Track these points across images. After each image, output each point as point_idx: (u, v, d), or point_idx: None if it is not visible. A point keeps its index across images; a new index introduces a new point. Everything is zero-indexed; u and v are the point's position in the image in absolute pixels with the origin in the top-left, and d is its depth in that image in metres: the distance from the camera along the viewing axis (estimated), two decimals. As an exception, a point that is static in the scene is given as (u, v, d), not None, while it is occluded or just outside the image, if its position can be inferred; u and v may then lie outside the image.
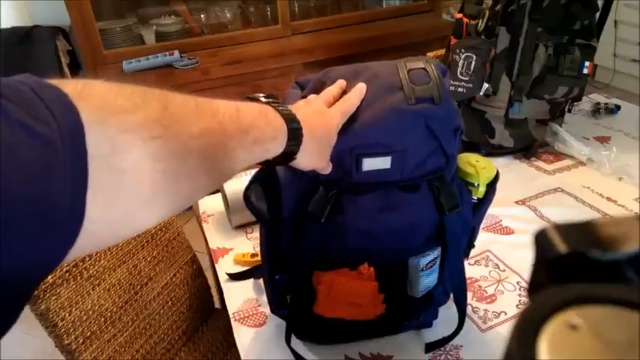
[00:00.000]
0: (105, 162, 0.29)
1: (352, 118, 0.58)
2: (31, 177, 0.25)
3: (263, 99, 0.49)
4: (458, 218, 0.65)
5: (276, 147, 0.47)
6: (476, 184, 0.68)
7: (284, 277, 0.70)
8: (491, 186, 0.69)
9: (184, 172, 0.35)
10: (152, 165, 0.32)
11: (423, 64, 0.61)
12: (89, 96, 0.30)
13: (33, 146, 0.25)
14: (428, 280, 0.68)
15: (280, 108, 0.48)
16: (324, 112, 0.55)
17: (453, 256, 0.68)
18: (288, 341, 0.70)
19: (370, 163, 0.59)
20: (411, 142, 0.59)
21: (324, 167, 0.58)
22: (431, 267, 0.67)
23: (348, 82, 0.61)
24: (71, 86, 0.29)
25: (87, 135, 0.28)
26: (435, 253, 0.66)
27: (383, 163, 0.59)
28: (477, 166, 0.68)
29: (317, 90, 0.60)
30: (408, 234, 0.64)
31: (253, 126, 0.43)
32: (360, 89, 0.59)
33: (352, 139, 0.58)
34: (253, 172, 0.68)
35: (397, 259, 0.66)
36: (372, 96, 0.59)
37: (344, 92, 0.60)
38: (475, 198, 0.69)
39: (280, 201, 0.64)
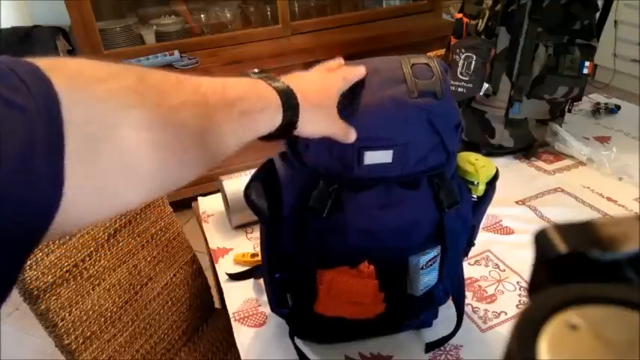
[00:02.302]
0: (80, 130, 0.29)
1: (354, 111, 0.58)
2: (15, 147, 0.26)
3: (255, 74, 0.49)
4: (457, 216, 0.65)
5: (266, 118, 0.46)
6: (475, 183, 0.68)
7: (284, 275, 0.70)
8: (491, 184, 0.69)
9: (169, 144, 0.36)
10: (135, 134, 0.32)
11: (426, 59, 0.61)
12: (61, 67, 0.30)
13: (14, 118, 0.26)
14: (428, 278, 0.68)
15: (271, 81, 0.48)
16: (323, 77, 0.55)
17: (452, 255, 0.68)
18: (292, 337, 0.70)
19: (372, 157, 0.59)
20: (413, 136, 0.59)
21: (344, 133, 0.56)
22: (431, 265, 0.67)
23: None
24: (44, 61, 0.30)
25: (61, 104, 0.28)
26: (435, 252, 0.66)
27: (384, 156, 0.59)
28: (476, 164, 0.69)
29: None
30: (408, 232, 0.63)
31: (241, 99, 0.43)
32: (361, 68, 0.58)
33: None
34: (253, 171, 0.68)
35: (397, 258, 0.66)
36: (374, 88, 0.59)
37: None
38: (475, 196, 0.69)
39: (281, 198, 0.64)
